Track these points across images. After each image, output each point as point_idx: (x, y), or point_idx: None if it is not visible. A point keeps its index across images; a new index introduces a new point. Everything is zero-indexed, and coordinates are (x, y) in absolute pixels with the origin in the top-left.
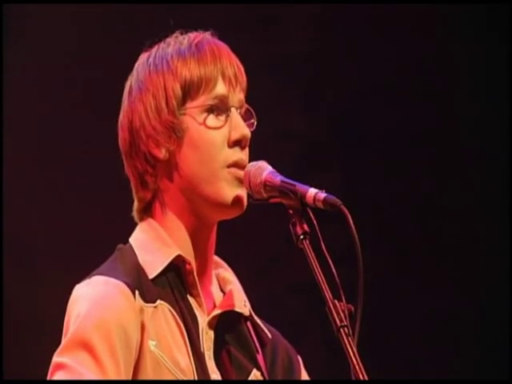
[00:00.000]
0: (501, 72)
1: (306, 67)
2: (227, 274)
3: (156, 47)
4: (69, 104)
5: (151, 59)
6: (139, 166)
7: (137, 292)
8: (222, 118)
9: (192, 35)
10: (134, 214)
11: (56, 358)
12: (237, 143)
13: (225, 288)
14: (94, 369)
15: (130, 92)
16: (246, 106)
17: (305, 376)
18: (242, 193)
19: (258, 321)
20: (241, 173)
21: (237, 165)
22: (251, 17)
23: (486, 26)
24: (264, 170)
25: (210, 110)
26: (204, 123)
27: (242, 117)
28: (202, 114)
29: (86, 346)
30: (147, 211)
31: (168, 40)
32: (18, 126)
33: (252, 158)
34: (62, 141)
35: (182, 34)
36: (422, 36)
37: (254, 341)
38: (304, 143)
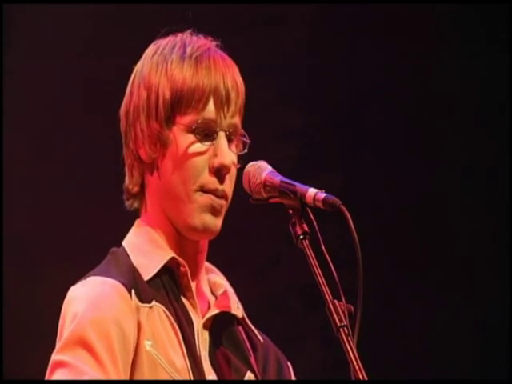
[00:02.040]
0: (501, 73)
1: (306, 66)
2: (218, 278)
3: (165, 42)
4: (69, 104)
5: (156, 56)
6: (128, 158)
7: (133, 292)
8: (208, 142)
9: (197, 43)
10: (125, 202)
11: (55, 357)
12: (217, 171)
13: (216, 292)
14: (94, 366)
15: (133, 81)
16: (242, 131)
17: None
18: (212, 221)
19: (251, 325)
20: (217, 201)
21: (214, 193)
22: (250, 16)
23: (486, 26)
24: (264, 169)
25: (196, 131)
26: (187, 145)
27: (232, 141)
28: (188, 133)
29: (85, 345)
30: (136, 204)
31: (178, 39)
32: (18, 126)
33: (252, 158)
34: (61, 141)
35: (191, 34)
36: (421, 35)
37: (246, 344)
38: (304, 143)
